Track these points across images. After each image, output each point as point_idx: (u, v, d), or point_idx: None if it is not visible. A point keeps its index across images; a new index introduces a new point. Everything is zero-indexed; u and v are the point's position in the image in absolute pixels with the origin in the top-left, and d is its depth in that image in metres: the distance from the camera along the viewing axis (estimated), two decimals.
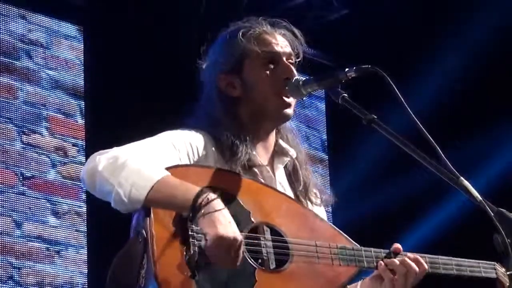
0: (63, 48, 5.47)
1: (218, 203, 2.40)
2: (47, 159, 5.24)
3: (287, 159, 2.84)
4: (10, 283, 4.93)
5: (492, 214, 2.26)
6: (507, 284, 2.90)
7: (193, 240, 2.38)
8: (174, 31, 5.79)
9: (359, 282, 2.80)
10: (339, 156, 6.77)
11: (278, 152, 2.83)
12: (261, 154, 2.78)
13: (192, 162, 2.64)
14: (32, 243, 5.06)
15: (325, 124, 6.86)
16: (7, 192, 5.03)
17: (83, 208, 5.30)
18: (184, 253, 2.38)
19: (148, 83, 5.58)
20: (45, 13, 5.42)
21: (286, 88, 2.74)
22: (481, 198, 2.30)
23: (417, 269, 2.70)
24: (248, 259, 2.50)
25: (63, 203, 5.24)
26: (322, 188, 2.94)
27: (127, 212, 2.49)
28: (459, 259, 2.88)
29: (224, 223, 2.38)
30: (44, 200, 5.17)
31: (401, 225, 6.18)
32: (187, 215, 2.41)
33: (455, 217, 6.24)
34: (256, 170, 2.71)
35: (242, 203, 2.55)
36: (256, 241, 2.53)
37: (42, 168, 5.20)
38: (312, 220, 2.72)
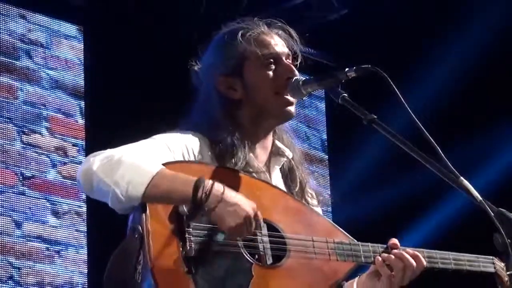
0: (63, 48, 5.47)
1: (217, 189, 2.40)
2: (47, 159, 5.24)
3: (283, 160, 2.84)
4: (10, 283, 4.94)
5: (492, 214, 2.26)
6: (506, 278, 2.90)
7: (189, 236, 2.38)
8: (174, 31, 5.79)
9: (356, 279, 2.81)
10: (339, 156, 6.77)
11: (275, 152, 2.83)
12: (259, 155, 2.78)
13: (191, 160, 2.64)
14: (32, 243, 5.06)
15: (325, 124, 6.86)
16: (7, 192, 5.03)
17: (83, 208, 5.30)
18: (181, 248, 2.38)
19: (148, 83, 5.58)
20: (45, 13, 5.43)
21: (288, 88, 2.74)
22: (481, 198, 2.30)
23: (414, 263, 2.70)
24: (245, 255, 2.50)
25: (63, 203, 5.24)
26: (319, 189, 2.94)
27: (124, 212, 2.48)
28: (457, 253, 2.88)
29: (232, 212, 2.39)
30: (44, 200, 5.17)
31: (401, 224, 6.17)
32: (183, 211, 2.41)
33: (455, 217, 6.24)
34: (254, 175, 2.71)
35: None
36: (253, 237, 2.53)
37: (42, 168, 5.20)
38: (309, 215, 2.72)
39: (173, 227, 2.42)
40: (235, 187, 2.53)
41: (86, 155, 5.29)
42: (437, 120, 5.59)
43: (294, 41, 2.86)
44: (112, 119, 5.37)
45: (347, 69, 2.61)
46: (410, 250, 2.74)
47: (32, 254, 5.05)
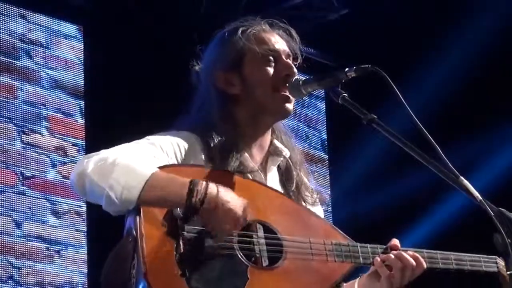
0: (63, 48, 5.47)
1: (212, 191, 2.40)
2: (47, 159, 5.24)
3: (280, 159, 2.83)
4: (10, 282, 4.94)
5: (492, 214, 2.26)
6: (507, 272, 2.89)
7: (183, 239, 2.37)
8: (174, 31, 5.79)
9: (356, 280, 2.80)
10: (339, 156, 6.77)
11: (272, 152, 2.82)
12: (255, 155, 2.76)
13: (185, 163, 2.63)
14: (32, 243, 5.07)
15: (325, 124, 6.86)
16: (7, 192, 5.03)
17: (83, 208, 5.30)
18: (175, 251, 2.38)
19: (148, 83, 5.58)
20: (45, 13, 5.43)
21: (287, 85, 2.74)
22: (481, 198, 2.30)
23: (413, 263, 2.69)
24: (240, 257, 2.49)
25: (63, 203, 5.24)
26: (317, 188, 2.92)
27: (118, 213, 2.48)
28: (459, 253, 2.87)
29: (226, 216, 2.39)
30: (44, 200, 5.17)
31: (401, 224, 6.17)
32: (177, 214, 2.40)
33: (455, 217, 6.24)
34: (248, 175, 2.70)
35: None
36: (249, 239, 2.52)
37: (42, 168, 5.20)
38: (306, 217, 2.71)
39: (167, 230, 2.41)
40: (230, 188, 2.52)
41: (86, 154, 5.30)
42: (437, 120, 5.59)
43: (295, 42, 2.86)
44: (112, 119, 5.37)
45: (347, 69, 2.60)
46: (410, 251, 2.74)
47: (32, 254, 5.05)
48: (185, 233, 2.39)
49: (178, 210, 2.42)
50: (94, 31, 5.61)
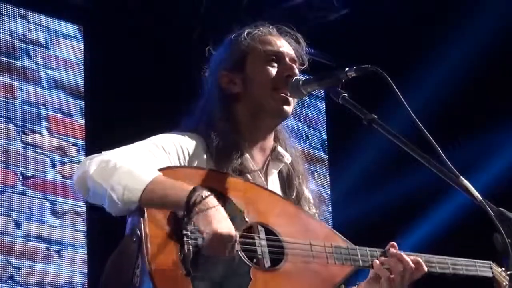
0: (63, 48, 5.47)
1: (212, 200, 2.40)
2: (47, 159, 5.24)
3: (281, 164, 2.83)
4: (10, 283, 4.93)
5: (492, 214, 2.26)
6: (504, 283, 2.90)
7: (187, 239, 2.38)
8: (174, 31, 5.79)
9: (355, 287, 2.81)
10: (339, 156, 6.77)
11: (274, 157, 2.83)
12: (256, 157, 2.78)
13: (184, 165, 2.64)
14: (32, 243, 5.06)
15: (325, 124, 6.86)
16: (7, 192, 5.03)
17: (83, 208, 5.30)
18: (179, 251, 2.38)
19: (148, 83, 5.58)
20: (45, 13, 5.43)
21: (287, 86, 2.74)
22: (481, 198, 2.30)
23: (412, 265, 2.70)
24: (243, 258, 2.50)
25: (63, 203, 5.24)
26: (316, 201, 2.92)
27: (120, 214, 2.48)
28: (454, 258, 2.88)
29: (218, 219, 2.38)
30: (44, 200, 5.17)
31: (401, 224, 6.18)
32: (181, 214, 2.40)
33: (455, 217, 6.24)
34: (248, 176, 2.71)
35: (235, 203, 2.55)
36: (251, 241, 2.53)
37: (42, 168, 5.20)
38: (306, 219, 2.72)
39: (171, 230, 2.42)
40: (229, 191, 2.53)
41: (86, 155, 5.30)
42: (437, 120, 5.59)
43: (302, 50, 2.87)
44: (112, 119, 5.37)
45: (347, 69, 2.60)
46: (412, 256, 2.75)
47: (32, 254, 5.05)
48: (188, 233, 2.39)
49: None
50: (94, 31, 5.61)
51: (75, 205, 5.27)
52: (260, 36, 2.81)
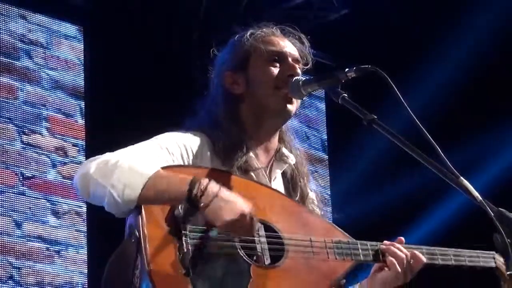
0: (63, 48, 5.47)
1: (213, 187, 2.40)
2: (47, 159, 5.24)
3: (285, 165, 2.84)
4: (10, 283, 4.94)
5: (492, 214, 2.26)
6: (508, 272, 2.90)
7: (186, 238, 2.38)
8: (174, 31, 5.80)
9: (357, 285, 2.81)
10: (339, 156, 6.78)
11: (278, 158, 2.84)
12: (260, 157, 2.78)
13: (187, 164, 2.64)
14: (32, 243, 5.07)
15: (325, 124, 6.86)
16: (7, 192, 5.03)
17: (83, 208, 5.31)
18: (178, 251, 2.38)
19: (148, 83, 5.58)
20: (45, 13, 5.43)
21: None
22: (481, 198, 2.30)
23: (403, 256, 2.71)
24: (243, 256, 2.50)
25: (63, 203, 5.24)
26: (320, 202, 2.92)
27: (121, 215, 2.48)
28: (457, 249, 2.89)
29: (227, 208, 2.39)
30: (44, 200, 5.17)
31: (401, 224, 6.18)
32: (179, 214, 2.41)
33: (455, 217, 6.25)
34: (252, 174, 2.71)
35: None
36: (251, 238, 2.53)
37: (42, 168, 5.20)
38: (306, 216, 2.72)
39: (170, 230, 2.41)
40: (231, 189, 2.53)
41: (86, 155, 5.31)
42: (437, 120, 5.59)
43: (307, 50, 2.88)
44: (112, 119, 5.38)
45: (347, 69, 2.60)
46: (408, 252, 2.76)
47: (32, 254, 5.05)
48: (187, 232, 2.39)
49: (180, 210, 2.42)
50: (94, 31, 5.61)
51: (75, 205, 5.28)
52: (263, 37, 2.82)
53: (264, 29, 2.85)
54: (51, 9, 5.47)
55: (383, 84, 2.50)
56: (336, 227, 2.75)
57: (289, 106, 2.77)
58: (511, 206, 2.36)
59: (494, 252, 2.96)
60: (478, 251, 2.95)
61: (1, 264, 4.92)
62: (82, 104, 5.46)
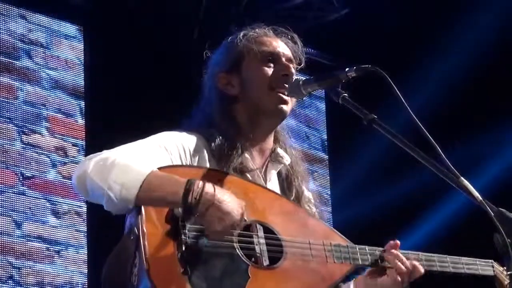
0: (63, 48, 5.47)
1: (208, 193, 2.40)
2: (47, 159, 5.24)
3: (280, 166, 2.84)
4: (10, 283, 4.94)
5: (492, 214, 2.26)
6: (506, 282, 2.91)
7: (184, 237, 2.38)
8: (174, 31, 5.80)
9: (351, 282, 2.81)
10: (339, 156, 6.77)
11: (273, 158, 2.84)
12: (255, 157, 2.79)
13: (184, 164, 2.64)
14: (32, 243, 5.06)
15: (325, 124, 6.86)
16: (7, 192, 5.03)
17: (83, 208, 5.30)
18: (176, 249, 2.38)
19: (148, 83, 5.58)
20: (45, 13, 5.43)
21: (286, 85, 2.75)
22: (481, 198, 2.30)
23: (405, 270, 2.71)
24: (241, 256, 2.50)
25: (63, 203, 5.24)
26: (317, 201, 2.92)
27: (119, 213, 2.49)
28: (455, 256, 2.89)
29: (221, 218, 2.40)
30: (44, 200, 5.17)
31: (401, 224, 6.18)
32: (178, 213, 2.41)
33: (455, 217, 6.25)
34: (248, 175, 2.72)
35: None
36: (249, 239, 2.53)
37: (42, 168, 5.20)
38: (304, 218, 2.73)
39: (169, 228, 2.42)
40: (229, 190, 2.52)
41: (86, 155, 5.28)
42: (437, 120, 5.59)
43: (300, 50, 2.88)
44: (112, 119, 5.37)
45: (347, 69, 2.60)
46: (411, 255, 2.76)
47: (32, 254, 5.05)
48: (186, 231, 2.39)
49: (179, 209, 2.43)
50: (94, 31, 5.61)
51: (75, 205, 5.27)
52: (255, 38, 2.83)
53: (256, 30, 2.86)
54: (51, 9, 5.46)
55: (383, 84, 2.50)
56: (334, 230, 2.75)
57: (284, 107, 2.77)
58: (511, 206, 2.36)
59: (492, 261, 2.96)
60: (475, 259, 2.95)
61: (1, 264, 4.92)
62: (82, 104, 5.45)
